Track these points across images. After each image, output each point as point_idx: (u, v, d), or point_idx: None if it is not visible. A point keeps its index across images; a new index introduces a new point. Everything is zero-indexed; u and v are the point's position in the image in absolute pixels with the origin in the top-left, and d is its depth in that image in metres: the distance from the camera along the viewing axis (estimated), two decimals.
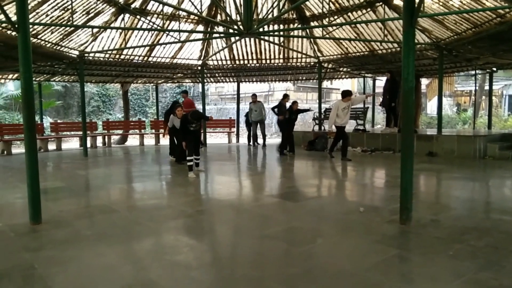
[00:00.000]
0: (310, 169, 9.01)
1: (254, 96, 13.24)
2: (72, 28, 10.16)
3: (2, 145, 12.39)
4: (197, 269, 3.13)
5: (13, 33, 8.83)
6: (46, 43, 10.11)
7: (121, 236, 3.98)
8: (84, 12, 9.76)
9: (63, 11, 9.27)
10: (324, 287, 2.78)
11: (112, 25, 10.85)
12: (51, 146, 13.77)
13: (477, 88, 21.87)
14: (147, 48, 12.84)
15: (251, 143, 13.67)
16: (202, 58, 14.31)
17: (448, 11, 8.63)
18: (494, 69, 13.15)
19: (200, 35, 13.00)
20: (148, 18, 11.24)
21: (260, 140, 13.52)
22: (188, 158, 7.57)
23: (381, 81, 16.73)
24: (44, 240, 3.90)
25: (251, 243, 3.75)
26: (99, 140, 15.36)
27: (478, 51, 10.28)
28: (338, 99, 10.29)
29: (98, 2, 9.68)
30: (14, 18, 4.47)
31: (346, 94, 9.35)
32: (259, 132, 13.38)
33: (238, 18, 10.44)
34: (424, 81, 18.58)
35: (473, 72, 15.05)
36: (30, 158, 4.39)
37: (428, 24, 10.17)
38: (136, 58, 13.20)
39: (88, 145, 12.80)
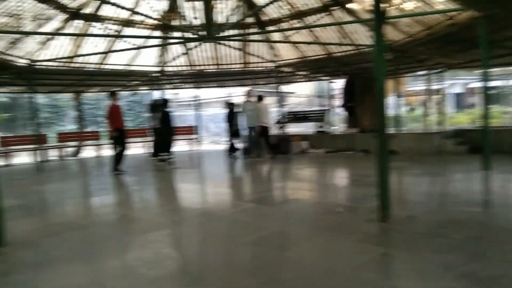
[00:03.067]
0: (278, 173, 9.01)
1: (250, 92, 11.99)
2: (19, 36, 9.59)
3: None
4: (186, 283, 2.99)
5: None
6: None
7: (96, 253, 3.76)
8: (33, 19, 9.23)
9: (9, 17, 8.71)
10: None
11: (63, 32, 10.34)
12: (0, 161, 12.90)
13: (425, 88, 23.11)
14: (101, 55, 12.35)
15: (233, 153, 12.13)
16: (159, 64, 13.99)
17: (403, 14, 8.97)
18: (445, 68, 13.83)
19: (157, 41, 12.69)
20: (102, 24, 10.83)
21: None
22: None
23: (336, 84, 17.19)
24: (13, 263, 3.60)
25: (237, 251, 3.66)
26: (53, 153, 14.58)
27: (429, 52, 10.77)
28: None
29: (49, 7, 9.20)
30: None
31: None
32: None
33: (197, 23, 10.38)
34: None
35: (423, 72, 15.82)
36: None
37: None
38: (90, 66, 12.66)
39: (40, 159, 12.07)
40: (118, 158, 9.11)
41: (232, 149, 12.00)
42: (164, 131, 9.19)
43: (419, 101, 29.45)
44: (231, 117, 11.90)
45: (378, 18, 4.13)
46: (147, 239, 4.24)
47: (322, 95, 20.16)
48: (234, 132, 11.86)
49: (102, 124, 26.56)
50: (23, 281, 3.14)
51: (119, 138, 9.05)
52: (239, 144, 12.00)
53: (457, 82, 27.94)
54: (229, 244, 3.93)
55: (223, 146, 13.06)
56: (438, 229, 3.95)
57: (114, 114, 8.94)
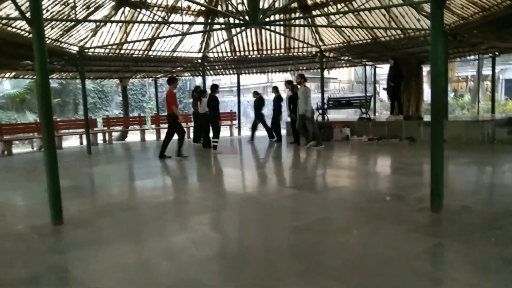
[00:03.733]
0: (321, 160, 8.91)
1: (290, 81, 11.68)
2: (72, 24, 9.95)
3: (2, 145, 12.17)
4: (237, 264, 3.04)
5: (14, 30, 8.65)
6: (46, 39, 9.87)
7: (149, 233, 3.89)
8: (84, 7, 9.54)
9: (63, 6, 9.04)
10: (374, 276, 2.71)
11: (112, 19, 10.64)
12: (43, 145, 13.54)
13: (475, 73, 21.97)
14: (147, 42, 12.63)
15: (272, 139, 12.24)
16: (202, 50, 14.12)
17: None
18: (497, 53, 13.09)
19: (201, 27, 12.80)
20: (149, 10, 11.03)
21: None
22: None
23: (381, 69, 16.68)
24: (70, 241, 3.79)
25: (285, 236, 3.67)
26: (99, 137, 15.16)
27: (483, 35, 10.22)
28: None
29: None
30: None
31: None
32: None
33: (242, 8, 10.32)
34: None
35: (472, 57, 15.07)
36: (49, 158, 4.26)
37: None
38: (136, 52, 12.99)
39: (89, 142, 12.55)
40: (180, 143, 9.17)
41: (271, 135, 12.10)
42: (211, 116, 9.29)
43: (468, 87, 28.16)
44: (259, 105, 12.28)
45: None
46: (195, 221, 4.35)
47: (364, 81, 19.63)
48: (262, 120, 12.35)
49: (146, 109, 27.32)
50: (82, 258, 3.30)
51: (173, 124, 9.06)
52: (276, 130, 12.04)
53: (509, 67, 26.37)
54: (275, 228, 3.95)
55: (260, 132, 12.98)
56: (494, 221, 3.77)
57: (169, 100, 9.02)
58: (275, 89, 12.15)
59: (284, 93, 12.85)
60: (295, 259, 3.08)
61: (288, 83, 11.32)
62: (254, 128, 12.55)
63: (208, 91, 10.41)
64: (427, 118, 12.25)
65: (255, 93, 12.73)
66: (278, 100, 11.84)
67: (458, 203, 4.43)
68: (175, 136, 9.20)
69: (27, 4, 4.49)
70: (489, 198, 4.75)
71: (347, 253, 3.16)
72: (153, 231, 3.97)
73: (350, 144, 11.12)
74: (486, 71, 20.02)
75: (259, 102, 12.36)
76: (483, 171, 6.69)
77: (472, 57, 15.16)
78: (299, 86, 10.22)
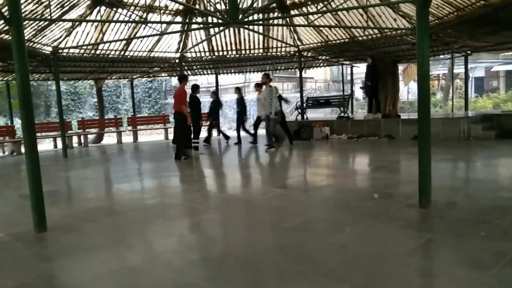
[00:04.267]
0: (304, 159, 8.94)
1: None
2: (45, 23, 9.64)
3: None
4: (233, 266, 2.99)
5: None
6: None
7: (137, 238, 3.80)
8: (59, 6, 9.25)
9: (36, 5, 8.74)
10: (372, 274, 2.72)
11: (87, 19, 10.36)
12: (24, 149, 13.09)
13: (447, 72, 22.61)
14: (124, 42, 12.37)
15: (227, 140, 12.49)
16: (180, 50, 13.95)
17: None
18: (469, 52, 13.48)
19: (179, 27, 12.64)
20: (126, 9, 10.80)
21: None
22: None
23: (358, 68, 16.92)
24: (56, 248, 3.65)
25: (278, 237, 3.64)
26: (75, 140, 14.76)
27: (457, 34, 10.48)
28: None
29: None
30: None
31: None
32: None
33: (221, 8, 10.25)
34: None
35: (445, 56, 15.47)
36: (31, 162, 4.13)
37: (409, 9, 10.27)
38: (112, 52, 12.69)
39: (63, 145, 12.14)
40: (187, 141, 9.05)
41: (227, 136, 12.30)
42: (193, 117, 9.11)
43: (440, 85, 28.94)
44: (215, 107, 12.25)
45: None
46: (186, 224, 4.28)
47: (342, 80, 19.87)
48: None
49: (121, 110, 26.82)
50: (69, 265, 3.18)
51: (181, 122, 8.82)
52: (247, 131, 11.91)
53: (478, 66, 27.27)
54: (268, 229, 3.92)
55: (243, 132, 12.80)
56: (482, 215, 3.86)
57: (179, 98, 8.74)
58: (238, 90, 12.02)
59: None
60: (292, 260, 3.06)
61: (258, 85, 10.94)
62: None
63: (189, 91, 10.24)
64: (403, 116, 12.53)
65: (213, 93, 12.75)
66: (241, 101, 11.73)
67: (445, 199, 4.52)
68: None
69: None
70: (474, 193, 4.86)
71: (343, 253, 3.16)
72: (142, 235, 3.87)
73: (330, 142, 11.23)
74: (457, 69, 20.59)
75: (216, 103, 12.22)
76: (464, 167, 6.88)
77: (445, 56, 15.56)
78: (263, 86, 10.14)
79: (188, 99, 9.18)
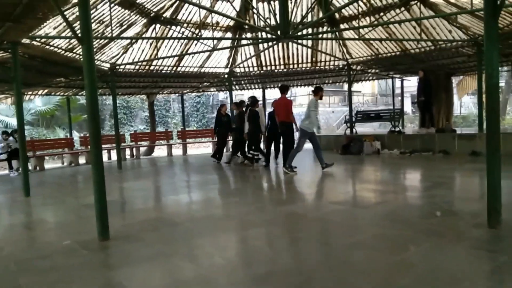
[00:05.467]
0: (357, 174, 8.75)
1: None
2: (105, 41, 10.18)
3: (34, 161, 12.42)
4: (300, 281, 2.94)
5: (51, 48, 8.88)
6: (80, 56, 10.12)
7: (196, 249, 3.82)
8: (117, 25, 9.75)
9: (98, 24, 9.26)
10: None
11: (143, 36, 10.84)
12: (81, 160, 13.78)
13: (504, 84, 21.52)
14: (176, 58, 12.80)
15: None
16: (229, 65, 14.23)
17: None
18: None
19: (230, 43, 12.92)
20: (179, 27, 11.20)
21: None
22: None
23: (409, 81, 16.49)
24: (121, 256, 3.76)
25: (341, 253, 3.55)
26: (127, 152, 15.34)
27: None
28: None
29: (132, 13, 9.66)
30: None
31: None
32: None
33: (270, 23, 10.38)
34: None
35: (502, 68, 14.75)
36: (97, 173, 4.28)
37: (466, 20, 9.93)
38: (165, 68, 13.17)
39: (116, 157, 12.61)
40: (290, 153, 8.53)
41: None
42: (253, 130, 9.34)
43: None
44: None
45: (493, 4, 3.81)
46: (244, 236, 4.28)
47: (389, 93, 19.43)
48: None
49: (171, 124, 27.62)
50: (135, 274, 3.26)
51: (286, 132, 8.73)
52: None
53: None
54: (330, 245, 3.84)
55: None
56: None
57: (281, 108, 8.68)
58: (236, 105, 11.08)
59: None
60: (360, 276, 2.96)
61: (236, 105, 10.77)
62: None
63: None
64: (470, 130, 11.95)
65: (235, 105, 11.38)
66: (240, 116, 10.61)
67: None
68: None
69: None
70: None
71: (413, 271, 3.02)
72: (203, 246, 3.90)
73: (381, 157, 10.92)
74: None
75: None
76: None
77: (502, 68, 14.84)
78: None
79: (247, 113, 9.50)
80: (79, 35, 4.23)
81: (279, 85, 9.53)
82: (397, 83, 17.04)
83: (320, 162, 8.46)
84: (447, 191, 6.11)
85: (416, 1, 10.01)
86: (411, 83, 18.63)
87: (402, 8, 10.42)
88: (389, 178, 7.91)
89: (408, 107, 25.53)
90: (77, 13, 6.53)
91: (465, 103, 27.25)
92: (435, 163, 9.29)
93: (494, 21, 3.89)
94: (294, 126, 8.88)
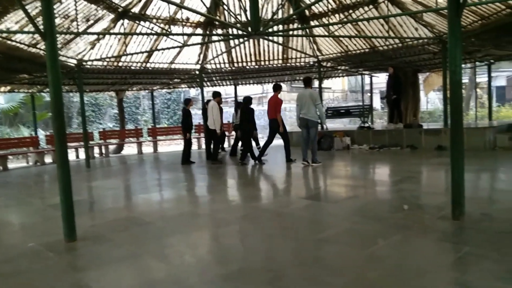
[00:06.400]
0: (327, 170, 8.86)
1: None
2: (71, 37, 9.87)
3: None
4: (269, 279, 2.95)
5: (14, 44, 8.54)
6: (44, 52, 9.78)
7: (168, 248, 3.77)
8: (84, 20, 9.47)
9: (63, 19, 8.97)
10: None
11: (111, 31, 10.57)
12: (47, 159, 13.34)
13: (467, 81, 22.24)
14: (146, 54, 12.57)
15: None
16: (200, 62, 14.10)
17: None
18: (492, 61, 13.27)
19: (200, 39, 12.80)
20: (148, 22, 10.99)
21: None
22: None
23: (377, 78, 16.82)
24: (89, 258, 3.66)
25: (312, 248, 3.59)
26: (96, 150, 14.96)
27: (480, 43, 10.35)
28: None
29: (99, 8, 9.41)
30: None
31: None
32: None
33: (241, 19, 10.34)
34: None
35: (466, 65, 15.24)
36: (62, 172, 4.15)
37: (431, 18, 10.19)
38: (134, 64, 12.91)
39: (84, 156, 12.26)
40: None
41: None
42: (248, 128, 9.63)
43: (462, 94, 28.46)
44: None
45: (456, 3, 3.91)
46: (215, 234, 4.26)
47: (358, 90, 19.80)
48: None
49: (141, 121, 27.13)
50: (104, 276, 3.19)
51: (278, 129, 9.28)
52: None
53: (499, 75, 26.79)
54: (301, 241, 3.86)
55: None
56: None
57: (271, 106, 9.26)
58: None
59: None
60: (330, 272, 3.00)
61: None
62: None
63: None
64: (436, 125, 12.30)
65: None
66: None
67: (478, 210, 4.40)
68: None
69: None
70: (508, 205, 4.71)
71: (381, 265, 3.09)
72: (175, 245, 3.86)
73: (351, 153, 11.12)
74: (480, 78, 20.32)
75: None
76: (494, 177, 6.71)
77: (466, 65, 15.34)
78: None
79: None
80: (42, 30, 4.08)
81: (273, 83, 9.85)
82: (366, 79, 17.33)
83: (310, 155, 8.79)
84: (415, 185, 6.28)
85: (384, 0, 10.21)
86: (380, 79, 19.03)
87: (371, 6, 10.60)
88: (359, 173, 8.06)
89: (377, 103, 26.05)
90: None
91: (431, 99, 28.01)
92: (403, 157, 9.52)
93: (458, 20, 4.01)
94: (279, 124, 9.18)
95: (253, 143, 10.49)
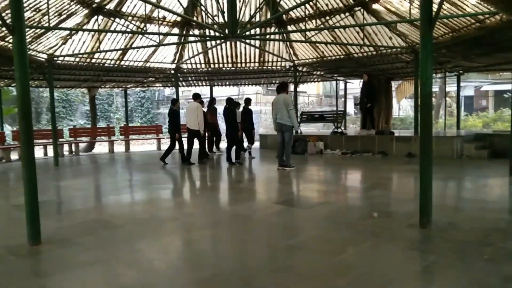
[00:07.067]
0: (300, 174, 8.92)
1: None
2: (42, 31, 9.57)
3: None
4: (238, 286, 2.93)
5: None
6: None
7: (137, 253, 3.70)
8: (56, 14, 9.21)
9: (34, 12, 8.69)
10: None
11: (84, 27, 10.32)
12: (13, 156, 12.89)
13: (437, 90, 22.93)
14: (120, 52, 12.33)
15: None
16: (176, 61, 13.95)
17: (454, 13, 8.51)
18: (461, 71, 13.71)
19: (176, 39, 12.66)
20: (123, 20, 10.79)
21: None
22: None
23: (352, 84, 17.10)
24: (53, 263, 3.54)
25: (281, 255, 3.59)
26: (65, 148, 14.55)
27: (451, 55, 10.67)
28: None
29: (72, 3, 9.16)
30: None
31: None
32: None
33: (219, 21, 10.31)
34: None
35: (436, 75, 15.71)
36: (28, 172, 3.99)
37: (405, 28, 10.44)
38: (108, 62, 12.64)
39: (53, 153, 11.89)
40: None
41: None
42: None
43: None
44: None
45: (429, 16, 4.02)
46: (186, 239, 4.21)
47: (333, 95, 20.07)
48: None
49: (113, 119, 26.61)
50: (69, 281, 3.09)
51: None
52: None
53: (468, 85, 27.74)
54: (271, 247, 3.87)
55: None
56: (484, 237, 3.86)
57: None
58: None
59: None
60: (299, 280, 3.01)
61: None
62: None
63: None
64: (395, 132, 12.62)
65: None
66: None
67: (445, 219, 4.51)
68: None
69: None
70: (474, 214, 4.85)
71: (350, 272, 3.13)
72: (140, 250, 3.78)
73: (324, 158, 11.25)
74: (449, 88, 20.97)
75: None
76: (461, 186, 6.91)
77: (437, 75, 15.80)
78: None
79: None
80: (10, 25, 3.92)
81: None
82: (341, 85, 17.57)
83: (285, 160, 8.80)
84: (385, 192, 6.40)
85: (360, 8, 10.38)
86: (354, 85, 19.34)
87: (347, 14, 10.78)
88: (332, 178, 8.16)
89: (350, 109, 26.47)
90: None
91: (403, 106, 28.74)
92: (374, 163, 9.70)
93: (430, 35, 4.11)
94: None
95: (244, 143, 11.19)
